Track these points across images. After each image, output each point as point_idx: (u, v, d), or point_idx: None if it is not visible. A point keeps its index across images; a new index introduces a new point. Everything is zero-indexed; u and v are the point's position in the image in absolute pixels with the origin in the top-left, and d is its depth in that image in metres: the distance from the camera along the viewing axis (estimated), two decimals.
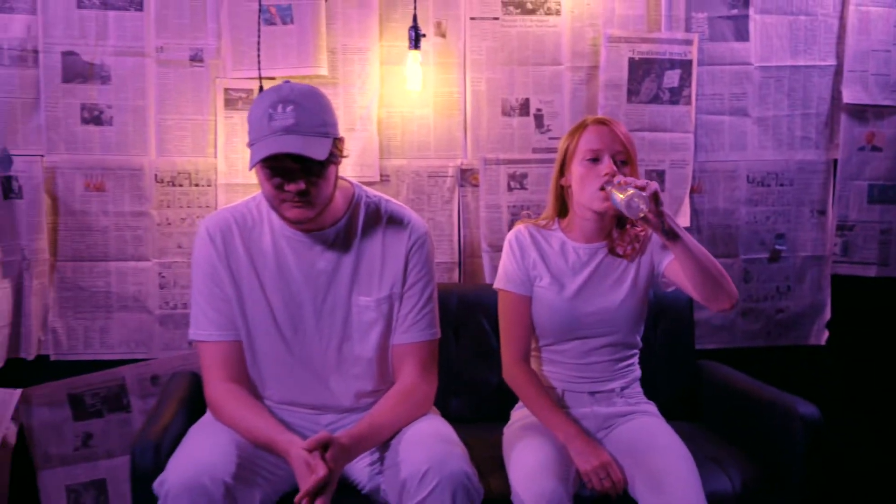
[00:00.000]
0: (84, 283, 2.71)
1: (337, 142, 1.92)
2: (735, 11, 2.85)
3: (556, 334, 2.19)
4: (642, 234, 2.20)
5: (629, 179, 1.98)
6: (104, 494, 2.76)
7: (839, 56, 2.90)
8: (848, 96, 2.90)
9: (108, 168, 2.70)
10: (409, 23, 2.69)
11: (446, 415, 2.48)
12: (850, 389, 3.00)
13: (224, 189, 2.72)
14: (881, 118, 2.93)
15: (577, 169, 2.13)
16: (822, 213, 2.95)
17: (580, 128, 2.17)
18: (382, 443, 1.95)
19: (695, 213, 2.89)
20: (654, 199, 1.93)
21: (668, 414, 2.41)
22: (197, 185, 2.73)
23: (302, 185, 1.85)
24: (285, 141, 1.81)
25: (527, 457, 2.00)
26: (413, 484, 1.79)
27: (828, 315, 2.98)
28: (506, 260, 2.23)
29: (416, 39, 2.67)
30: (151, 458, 1.89)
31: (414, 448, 1.86)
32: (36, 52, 2.64)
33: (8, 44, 2.63)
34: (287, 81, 1.92)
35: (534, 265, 2.19)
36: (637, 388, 2.28)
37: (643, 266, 2.20)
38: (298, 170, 1.84)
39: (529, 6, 2.79)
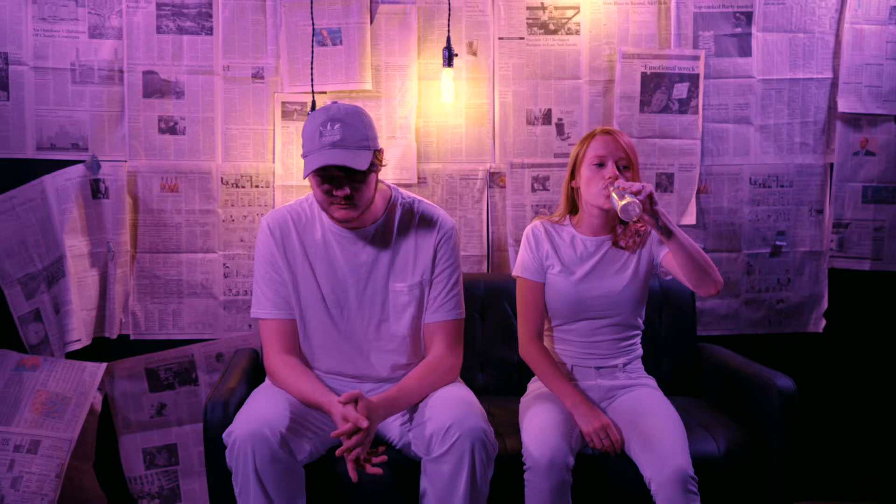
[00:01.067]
0: (159, 272, 3.11)
1: (377, 153, 2.27)
2: (739, 30, 3.15)
3: (566, 315, 2.52)
4: (643, 229, 2.52)
5: (627, 185, 2.29)
6: (175, 457, 3.15)
7: (835, 69, 3.18)
8: (843, 106, 3.17)
9: (181, 172, 3.08)
10: (444, 43, 3.03)
11: (473, 387, 2.81)
12: (845, 373, 3.27)
13: (280, 190, 3.10)
14: (874, 125, 3.20)
15: (585, 172, 2.47)
16: (820, 212, 3.23)
17: (589, 137, 2.50)
18: (412, 405, 2.31)
19: (701, 211, 3.20)
20: (650, 199, 2.25)
21: (671, 390, 2.75)
22: (257, 186, 3.11)
23: (347, 191, 2.20)
24: (333, 154, 2.16)
25: (537, 419, 2.34)
26: (438, 438, 2.14)
27: (825, 305, 3.25)
28: (523, 251, 2.57)
29: (449, 58, 3.01)
30: (221, 413, 2.26)
31: (439, 409, 2.21)
32: (121, 71, 3.04)
33: (98, 65, 3.03)
34: (335, 102, 2.28)
35: (547, 255, 2.52)
36: (638, 365, 2.60)
37: (644, 257, 2.52)
38: (344, 177, 2.19)
39: (552, 27, 3.13)
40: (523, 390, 2.69)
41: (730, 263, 3.22)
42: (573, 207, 2.58)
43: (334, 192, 2.22)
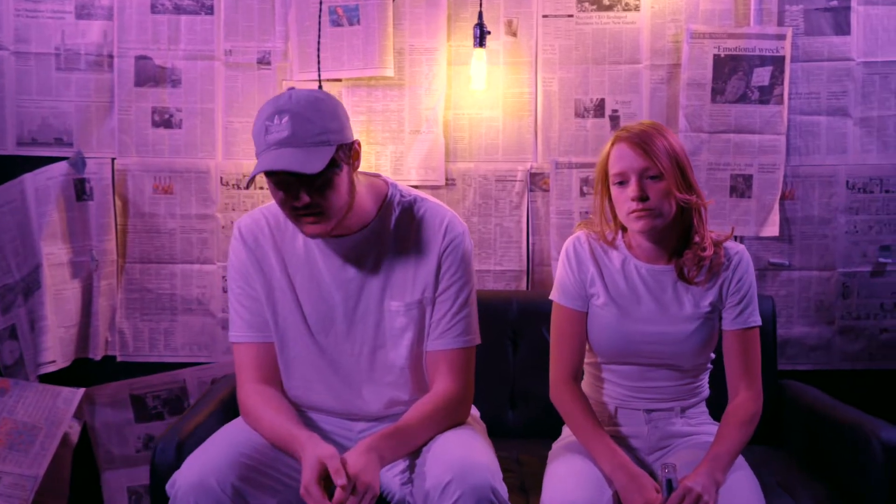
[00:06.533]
0: (150, 284, 2.74)
1: (345, 147, 1.80)
2: (835, 3, 2.62)
3: (610, 356, 2.02)
4: (705, 254, 1.98)
5: None
6: None
7: None
8: None
9: (176, 171, 2.72)
10: (477, 21, 2.59)
11: (502, 428, 2.38)
12: None
13: None
14: None
15: (612, 191, 1.97)
16: None
17: (609, 145, 1.99)
18: (413, 451, 1.84)
19: (786, 221, 2.67)
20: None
21: None
22: (261, 188, 2.71)
23: (306, 199, 1.75)
24: (278, 155, 1.71)
25: (561, 473, 1.86)
26: (435, 495, 1.68)
27: None
28: (562, 270, 2.06)
29: (481, 37, 2.57)
30: (172, 456, 1.85)
31: (439, 459, 1.75)
32: (111, 56, 2.70)
33: (85, 49, 2.69)
34: (291, 88, 1.82)
35: (592, 281, 2.02)
36: (702, 409, 2.08)
37: (715, 292, 1.99)
38: (297, 183, 1.74)
39: (606, 2, 2.66)
40: (557, 432, 2.19)
41: (821, 284, 2.68)
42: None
43: (293, 203, 1.78)
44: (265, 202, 2.67)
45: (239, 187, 2.71)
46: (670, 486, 1.72)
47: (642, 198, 1.88)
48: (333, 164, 1.74)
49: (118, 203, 2.72)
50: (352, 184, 1.83)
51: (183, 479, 1.68)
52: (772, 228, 2.66)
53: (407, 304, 1.91)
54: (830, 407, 2.17)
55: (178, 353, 2.75)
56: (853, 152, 2.67)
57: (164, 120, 2.71)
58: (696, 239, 1.96)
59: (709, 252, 1.96)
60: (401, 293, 1.92)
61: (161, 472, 1.83)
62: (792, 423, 2.32)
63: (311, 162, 1.71)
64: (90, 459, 2.73)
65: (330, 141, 1.75)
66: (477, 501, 1.65)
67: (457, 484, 1.66)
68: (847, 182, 2.67)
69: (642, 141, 1.91)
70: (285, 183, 1.75)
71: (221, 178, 2.71)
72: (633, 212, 1.90)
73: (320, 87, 2.62)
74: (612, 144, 1.96)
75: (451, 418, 1.89)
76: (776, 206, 2.65)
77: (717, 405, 2.11)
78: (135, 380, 2.72)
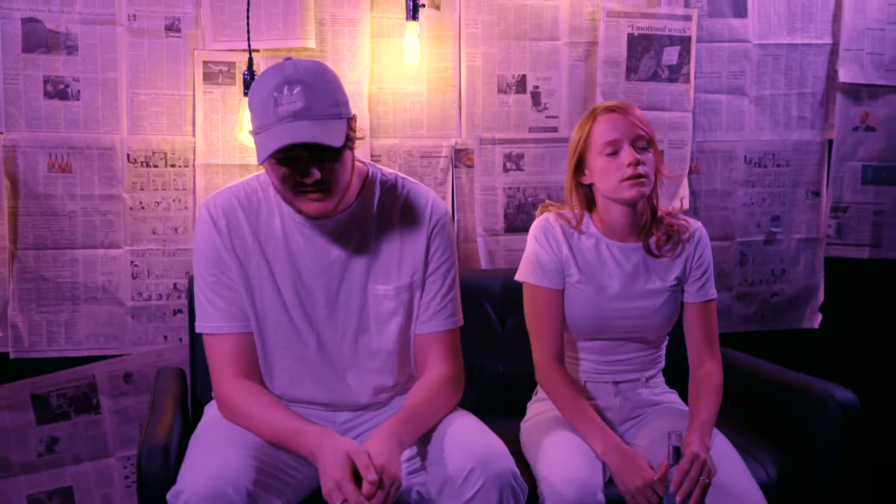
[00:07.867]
0: (48, 273, 2.48)
1: (351, 122, 1.75)
2: None
3: (584, 333, 2.06)
4: (679, 231, 2.07)
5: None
6: (70, 502, 2.53)
7: (835, 34, 2.84)
8: (843, 75, 2.84)
9: (75, 147, 2.48)
10: None
11: None
12: (843, 373, 2.94)
13: (203, 170, 2.52)
14: (875, 98, 2.88)
15: (597, 163, 2.00)
16: (817, 194, 2.90)
17: (590, 119, 2.03)
18: (422, 436, 1.80)
19: (693, 194, 2.82)
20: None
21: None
22: (173, 165, 2.53)
23: (318, 175, 1.67)
24: (296, 128, 1.62)
25: (557, 443, 1.91)
26: (456, 483, 1.66)
27: (821, 298, 2.93)
28: (537, 250, 2.05)
29: (414, 10, 2.51)
30: (160, 462, 1.71)
31: (457, 444, 1.73)
32: None
33: None
34: (289, 58, 1.72)
35: (566, 260, 2.04)
36: (660, 378, 2.19)
37: (680, 267, 2.07)
38: (310, 158, 1.66)
39: None
40: (512, 408, 2.24)
41: (722, 253, 2.85)
42: (590, 205, 2.10)
43: (302, 179, 1.68)
44: (176, 182, 2.52)
45: (148, 165, 2.51)
46: (678, 454, 1.79)
47: (639, 162, 1.93)
48: (346, 140, 1.67)
49: (7, 183, 2.44)
50: (353, 160, 1.77)
51: (193, 488, 1.56)
52: (683, 202, 2.79)
53: (396, 287, 1.86)
54: (771, 370, 2.31)
55: (81, 347, 2.52)
56: (749, 129, 2.84)
57: (59, 91, 2.46)
58: (660, 214, 2.06)
59: (667, 221, 2.06)
60: (387, 276, 1.86)
61: (151, 482, 1.68)
62: (729, 388, 2.46)
63: (332, 134, 1.64)
64: None
65: (342, 114, 1.69)
66: (500, 488, 1.65)
67: (480, 472, 1.65)
68: (745, 157, 2.85)
69: (629, 111, 2.00)
70: (295, 159, 1.65)
71: (128, 155, 2.50)
72: (629, 178, 1.94)
73: (250, 56, 2.46)
74: (594, 118, 2.01)
75: (452, 401, 1.88)
76: (685, 181, 2.80)
77: (672, 373, 2.23)
78: (36, 378, 2.46)
